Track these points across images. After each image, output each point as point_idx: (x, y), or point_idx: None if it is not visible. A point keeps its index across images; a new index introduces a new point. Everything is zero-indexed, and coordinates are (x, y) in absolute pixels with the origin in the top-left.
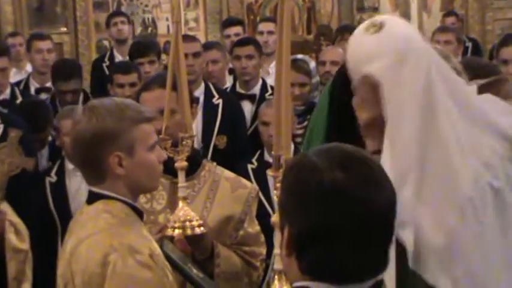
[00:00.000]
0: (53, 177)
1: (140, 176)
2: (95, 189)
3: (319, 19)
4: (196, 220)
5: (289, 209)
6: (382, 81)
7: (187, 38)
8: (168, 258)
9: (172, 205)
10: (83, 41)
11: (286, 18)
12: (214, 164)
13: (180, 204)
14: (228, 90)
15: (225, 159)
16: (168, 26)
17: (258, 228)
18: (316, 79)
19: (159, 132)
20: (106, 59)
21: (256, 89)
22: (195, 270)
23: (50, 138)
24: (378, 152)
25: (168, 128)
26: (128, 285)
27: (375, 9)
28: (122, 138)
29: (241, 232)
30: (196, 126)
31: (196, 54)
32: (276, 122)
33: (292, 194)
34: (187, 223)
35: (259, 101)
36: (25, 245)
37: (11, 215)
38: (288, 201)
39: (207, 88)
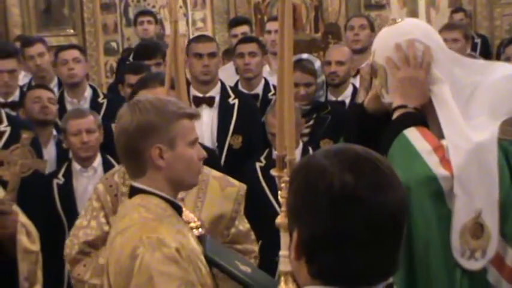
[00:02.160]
0: (60, 179)
1: (180, 170)
2: (135, 184)
3: (326, 17)
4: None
5: (298, 212)
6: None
7: (203, 38)
8: (210, 261)
9: None
10: (90, 43)
11: (288, 18)
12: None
13: None
14: None
15: (239, 159)
16: None
17: (248, 225)
18: (321, 78)
19: None
20: (131, 58)
21: (259, 89)
22: (242, 266)
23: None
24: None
25: None
26: (152, 278)
27: (383, 7)
28: (164, 131)
29: (232, 230)
30: (211, 125)
31: (211, 54)
32: (279, 122)
33: (301, 197)
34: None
35: (262, 100)
36: (36, 247)
37: (22, 216)
38: (297, 205)
39: (223, 88)
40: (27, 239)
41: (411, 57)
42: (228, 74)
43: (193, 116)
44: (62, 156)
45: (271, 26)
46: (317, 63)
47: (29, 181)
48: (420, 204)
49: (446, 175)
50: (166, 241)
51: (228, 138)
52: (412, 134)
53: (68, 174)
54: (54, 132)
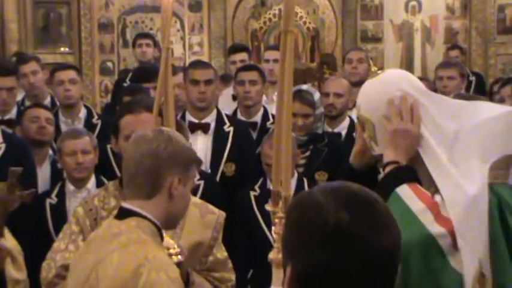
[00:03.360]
0: (53, 199)
1: (180, 205)
2: (129, 206)
3: (322, 48)
4: (174, 248)
5: (292, 247)
6: None
7: (200, 65)
8: None
9: None
10: (86, 62)
11: (290, 51)
12: None
13: None
14: None
15: (232, 186)
16: (172, 49)
17: (225, 253)
18: (320, 110)
19: None
20: (128, 80)
21: (258, 117)
22: None
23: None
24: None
25: None
26: None
27: (379, 40)
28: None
29: (210, 258)
30: (205, 152)
31: (208, 81)
32: (276, 156)
33: (296, 233)
34: (165, 251)
35: (260, 129)
36: (23, 274)
37: (8, 240)
38: (292, 240)
39: (218, 115)
40: (13, 267)
41: (404, 111)
42: (224, 100)
43: (200, 165)
44: (56, 176)
45: (269, 55)
46: (316, 95)
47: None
48: (418, 264)
49: (443, 232)
50: (169, 264)
51: (222, 166)
52: (405, 192)
53: (61, 195)
54: (50, 151)
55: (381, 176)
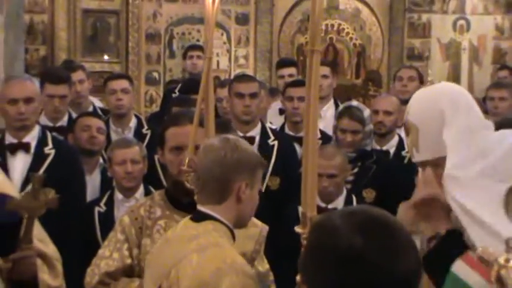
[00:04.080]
0: (102, 207)
1: (248, 209)
2: (206, 210)
3: (368, 64)
4: None
5: (307, 270)
6: None
7: (245, 78)
8: None
9: None
10: (133, 71)
11: (316, 70)
12: None
13: None
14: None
15: (277, 200)
16: (218, 62)
17: (267, 266)
18: (369, 127)
19: (181, 165)
20: (177, 90)
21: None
22: None
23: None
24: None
25: (191, 161)
26: None
27: (425, 58)
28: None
29: None
30: None
31: (253, 95)
32: (304, 178)
33: (311, 255)
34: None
35: None
36: (58, 281)
37: (44, 246)
38: (307, 262)
39: (263, 129)
40: (49, 274)
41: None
42: (271, 113)
43: (264, 167)
44: (106, 184)
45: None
46: (366, 112)
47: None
48: None
49: None
50: (244, 263)
51: (267, 180)
52: (461, 270)
53: (110, 203)
54: (101, 160)
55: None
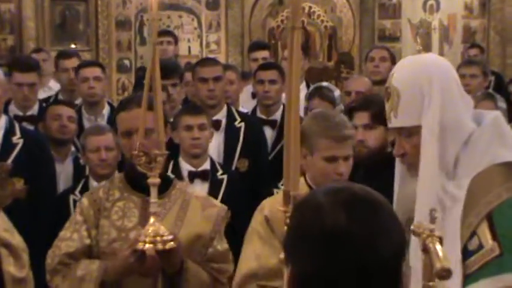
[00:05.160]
0: (77, 196)
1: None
2: None
3: (340, 46)
4: (167, 235)
5: (291, 248)
6: None
7: (208, 62)
8: None
9: (143, 222)
10: (103, 59)
11: (297, 48)
12: (185, 183)
13: (152, 219)
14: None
15: (246, 182)
16: (189, 47)
17: (226, 246)
18: (340, 107)
19: (133, 149)
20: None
21: (278, 115)
22: None
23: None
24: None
25: (143, 146)
26: None
27: (396, 39)
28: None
29: (210, 250)
30: (218, 149)
31: (217, 78)
32: (286, 157)
33: (294, 234)
34: (158, 238)
35: (279, 127)
36: (24, 272)
37: (10, 236)
38: (291, 241)
39: (229, 111)
40: (15, 265)
41: None
42: (244, 97)
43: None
44: (79, 173)
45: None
46: (336, 92)
47: (42, 196)
48: None
49: None
50: None
51: (235, 162)
52: None
53: (85, 191)
54: (73, 148)
55: None
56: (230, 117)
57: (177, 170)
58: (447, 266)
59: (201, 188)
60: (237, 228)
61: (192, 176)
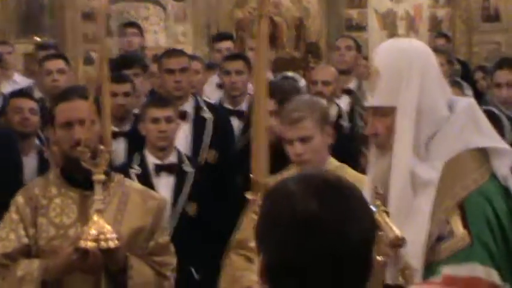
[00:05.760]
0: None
1: None
2: None
3: (307, 36)
4: (110, 233)
5: (262, 236)
6: None
7: (174, 53)
8: None
9: (82, 219)
10: (70, 52)
11: (264, 36)
12: (123, 175)
13: (95, 217)
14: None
15: (215, 174)
16: (155, 39)
17: (167, 238)
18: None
19: (77, 144)
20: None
21: (244, 105)
22: None
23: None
24: None
25: (88, 140)
26: None
27: (363, 28)
28: None
29: (151, 243)
30: (186, 140)
31: (183, 69)
32: (255, 146)
33: (265, 221)
34: (102, 236)
35: (246, 117)
36: None
37: None
38: (261, 228)
39: (196, 103)
40: None
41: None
42: (210, 88)
43: None
44: (43, 166)
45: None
46: (302, 82)
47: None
48: None
49: None
50: None
51: (204, 153)
52: None
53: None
54: (37, 141)
55: None
56: (197, 108)
57: (142, 162)
58: (401, 234)
59: (167, 181)
60: (205, 220)
61: (159, 169)
